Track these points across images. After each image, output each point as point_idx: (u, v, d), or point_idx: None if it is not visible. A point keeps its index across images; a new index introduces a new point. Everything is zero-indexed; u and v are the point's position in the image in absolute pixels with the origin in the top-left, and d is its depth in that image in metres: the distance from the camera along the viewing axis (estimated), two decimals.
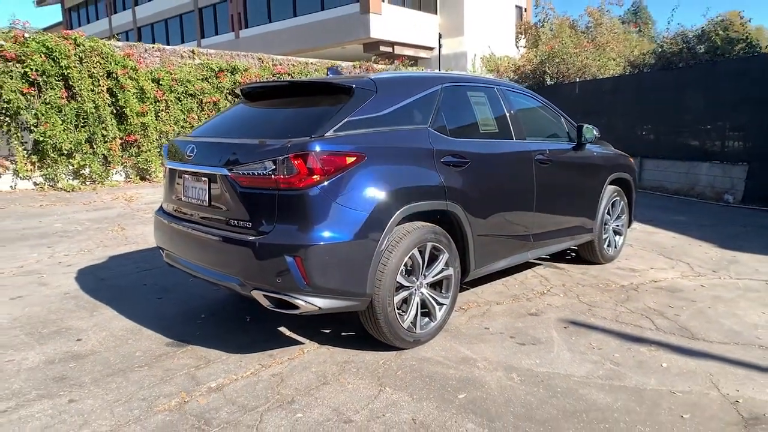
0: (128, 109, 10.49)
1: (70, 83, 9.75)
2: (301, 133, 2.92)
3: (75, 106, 9.87)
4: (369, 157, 2.96)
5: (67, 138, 9.73)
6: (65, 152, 9.82)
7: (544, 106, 4.65)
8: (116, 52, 10.53)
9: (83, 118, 9.99)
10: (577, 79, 12.82)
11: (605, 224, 5.17)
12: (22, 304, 4.10)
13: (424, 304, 3.36)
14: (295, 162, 2.75)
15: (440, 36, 17.77)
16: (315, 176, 2.77)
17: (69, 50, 9.69)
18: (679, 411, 2.66)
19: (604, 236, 5.16)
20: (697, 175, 9.59)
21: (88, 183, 10.32)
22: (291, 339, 3.50)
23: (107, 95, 10.30)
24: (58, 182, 9.91)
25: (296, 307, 2.84)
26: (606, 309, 4.04)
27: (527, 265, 5.21)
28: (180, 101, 11.51)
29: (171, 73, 11.34)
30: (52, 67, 9.50)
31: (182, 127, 11.57)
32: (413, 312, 3.26)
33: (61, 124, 9.67)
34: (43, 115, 9.46)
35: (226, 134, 3.32)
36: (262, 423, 2.53)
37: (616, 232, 5.41)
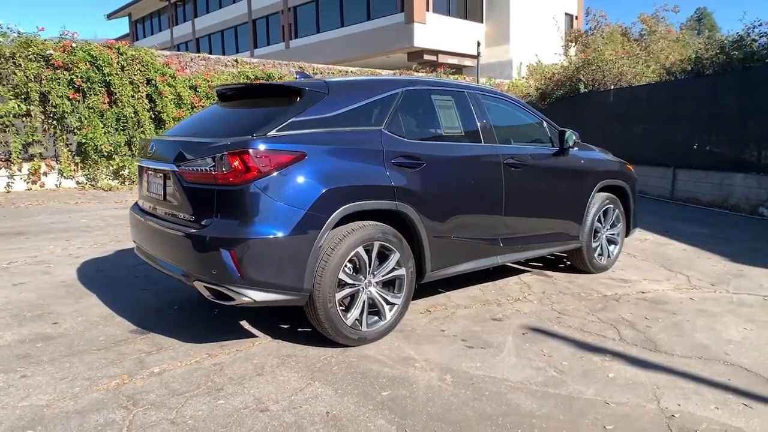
0: (165, 114, 11.05)
1: (112, 89, 10.39)
2: (246, 132, 3.05)
3: (116, 111, 10.49)
4: (310, 156, 3.05)
5: (108, 140, 10.36)
6: (105, 154, 10.45)
7: (525, 111, 4.60)
8: (156, 60, 11.11)
9: (123, 122, 10.61)
10: (612, 87, 12.43)
11: (596, 232, 5.03)
12: (21, 290, 4.43)
13: (374, 302, 3.40)
14: (232, 159, 2.87)
15: (479, 44, 17.68)
16: (251, 173, 2.88)
17: (112, 58, 10.32)
18: (605, 422, 2.58)
19: (595, 245, 5.02)
20: (732, 186, 9.10)
21: (126, 183, 10.93)
22: (248, 332, 3.62)
23: (146, 101, 10.89)
24: (98, 182, 10.55)
25: (232, 298, 2.95)
26: (575, 318, 3.94)
27: (513, 272, 5.14)
28: None
29: (208, 81, 11.85)
30: (96, 74, 10.15)
31: None
32: (359, 310, 3.31)
33: (102, 128, 10.31)
34: (86, 119, 10.12)
35: (187, 133, 3.50)
36: (184, 407, 2.64)
37: (611, 241, 5.25)
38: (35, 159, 9.81)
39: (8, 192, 9.63)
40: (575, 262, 5.09)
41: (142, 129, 10.81)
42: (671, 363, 3.21)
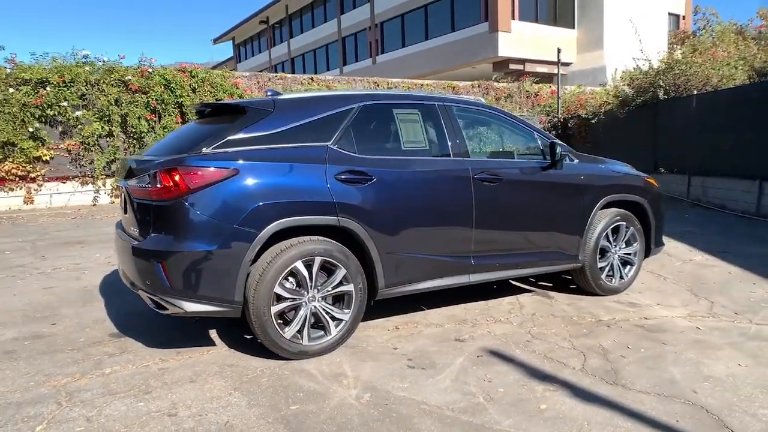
0: None
1: (184, 110, 11.28)
2: (188, 150, 3.24)
3: None
4: (242, 173, 3.17)
5: None
6: None
7: (514, 124, 4.40)
8: (227, 81, 11.91)
9: None
10: (695, 92, 11.40)
11: (604, 252, 4.67)
12: (47, 293, 4.96)
13: (319, 317, 3.43)
14: (163, 176, 3.06)
15: (559, 51, 16.94)
16: (180, 190, 3.06)
17: (184, 81, 11.23)
18: None
19: (602, 265, 4.65)
20: None
21: None
22: (210, 341, 3.79)
23: None
24: None
25: (165, 308, 3.13)
26: (546, 343, 3.69)
27: (514, 291, 4.90)
28: None
29: None
30: (170, 96, 11.09)
31: None
32: (299, 324, 3.35)
33: None
34: (161, 138, 11.07)
35: (152, 152, 3.75)
36: (108, 406, 2.84)
37: (626, 262, 4.84)
38: (117, 175, 10.89)
39: (94, 205, 10.77)
40: (581, 284, 4.75)
41: None
42: (622, 398, 2.91)
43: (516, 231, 4.19)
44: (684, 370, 3.24)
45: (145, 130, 10.89)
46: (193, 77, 11.47)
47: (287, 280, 3.33)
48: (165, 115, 11.10)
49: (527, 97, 18.69)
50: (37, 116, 9.85)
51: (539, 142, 4.40)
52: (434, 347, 3.63)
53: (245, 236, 3.13)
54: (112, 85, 10.54)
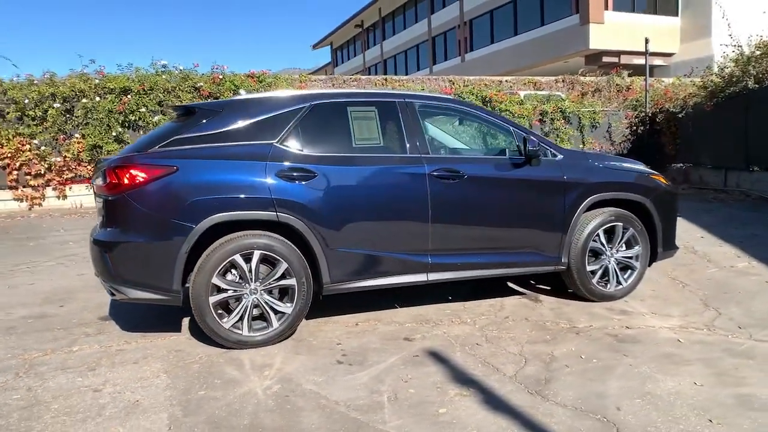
0: None
1: None
2: (143, 149, 3.52)
3: None
4: (182, 170, 3.38)
5: None
6: None
7: (488, 120, 4.24)
8: (294, 86, 12.44)
9: None
10: None
11: (598, 254, 4.34)
12: (77, 279, 5.55)
13: (262, 308, 3.56)
14: (110, 173, 3.35)
15: (647, 41, 15.63)
16: (123, 186, 3.32)
17: (251, 86, 11.89)
18: None
19: (592, 268, 4.32)
20: None
21: None
22: (178, 327, 4.04)
23: None
24: None
25: (114, 294, 3.42)
26: (495, 347, 3.53)
27: (504, 292, 4.70)
28: None
29: None
30: None
31: None
32: (238, 315, 3.49)
33: None
34: None
35: (123, 151, 4.04)
36: (52, 380, 3.17)
37: (625, 266, 4.46)
38: None
39: None
40: (571, 287, 4.45)
41: None
42: (532, 409, 2.74)
43: (481, 230, 4.03)
44: (624, 385, 2.96)
45: None
46: (261, 82, 12.11)
47: (230, 272, 3.49)
48: None
49: (618, 91, 17.47)
50: (120, 121, 10.95)
51: (515, 138, 4.18)
52: (377, 345, 3.61)
53: (181, 229, 3.33)
54: (186, 91, 11.44)
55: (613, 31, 22.56)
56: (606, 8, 22.72)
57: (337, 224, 3.64)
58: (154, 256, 3.35)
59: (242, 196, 3.46)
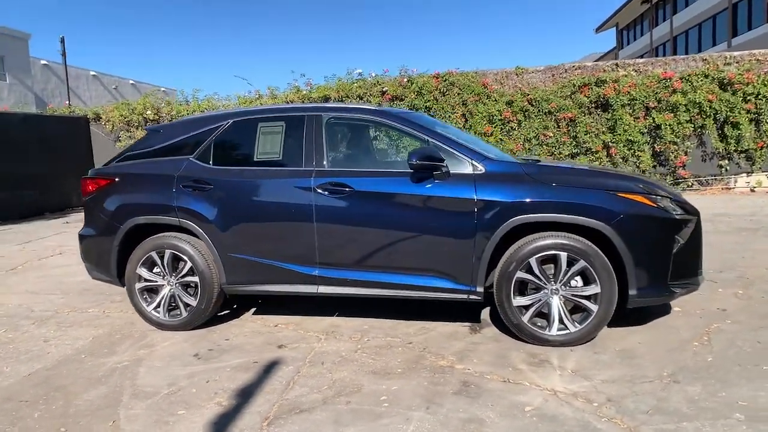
0: (474, 131, 12.20)
1: (431, 113, 12.37)
2: (106, 162, 4.52)
3: None
4: (119, 180, 4.24)
5: None
6: None
7: (398, 130, 3.96)
8: (473, 83, 12.36)
9: None
10: None
11: (534, 289, 3.57)
12: None
13: (176, 299, 4.19)
14: (82, 181, 4.42)
15: None
16: (87, 191, 4.36)
17: (432, 86, 12.30)
18: None
19: (522, 303, 3.55)
20: None
21: None
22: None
23: (461, 119, 12.33)
24: None
25: (89, 273, 4.51)
26: (321, 369, 3.38)
27: (458, 316, 4.22)
28: (531, 119, 12.18)
29: (525, 95, 12.19)
30: (420, 101, 12.36)
31: (533, 144, 12.23)
32: (156, 302, 4.19)
33: None
34: None
35: None
36: (35, 331, 4.42)
37: (578, 307, 3.53)
38: None
39: None
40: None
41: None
42: None
43: (371, 247, 3.77)
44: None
45: None
46: (444, 81, 12.38)
47: (155, 265, 4.21)
48: None
49: None
50: None
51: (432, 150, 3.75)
52: (250, 347, 3.84)
53: (114, 228, 4.19)
54: (375, 96, 12.55)
55: None
56: None
57: (230, 232, 3.98)
58: (100, 247, 4.31)
59: (154, 203, 4.13)
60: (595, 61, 19.93)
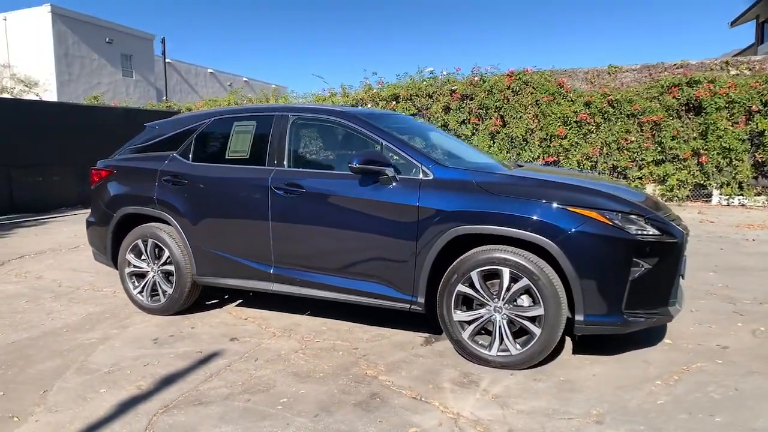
0: (547, 132, 11.56)
1: (501, 113, 11.92)
2: (112, 155, 4.90)
3: (505, 132, 11.96)
4: (117, 173, 4.59)
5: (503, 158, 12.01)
6: None
7: (356, 132, 3.84)
8: (548, 82, 11.70)
9: (512, 142, 11.92)
10: None
11: (478, 305, 3.35)
12: None
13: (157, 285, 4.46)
14: (92, 172, 4.83)
15: None
16: (92, 181, 4.76)
17: (504, 85, 11.83)
18: None
19: (463, 319, 3.34)
20: None
21: None
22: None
23: (534, 121, 11.75)
24: None
25: (95, 257, 4.93)
26: (250, 365, 3.42)
27: (421, 326, 4.07)
28: (610, 122, 11.30)
29: (606, 95, 11.33)
30: (490, 100, 11.95)
31: (612, 149, 11.34)
32: (141, 286, 4.49)
33: (494, 146, 12.02)
34: (480, 140, 12.13)
35: None
36: (35, 308, 4.94)
37: (523, 329, 3.25)
38: None
39: None
40: None
41: (528, 147, 11.76)
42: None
43: (319, 248, 3.74)
44: None
45: (469, 134, 12.18)
46: (517, 80, 11.83)
47: (142, 253, 4.50)
48: (486, 119, 12.05)
49: None
50: None
51: (391, 154, 3.65)
52: (205, 336, 3.99)
53: (109, 216, 4.55)
54: (444, 94, 12.31)
55: None
56: None
57: (199, 225, 4.16)
58: (100, 234, 4.69)
59: (139, 194, 4.42)
60: (735, 56, 17.95)
